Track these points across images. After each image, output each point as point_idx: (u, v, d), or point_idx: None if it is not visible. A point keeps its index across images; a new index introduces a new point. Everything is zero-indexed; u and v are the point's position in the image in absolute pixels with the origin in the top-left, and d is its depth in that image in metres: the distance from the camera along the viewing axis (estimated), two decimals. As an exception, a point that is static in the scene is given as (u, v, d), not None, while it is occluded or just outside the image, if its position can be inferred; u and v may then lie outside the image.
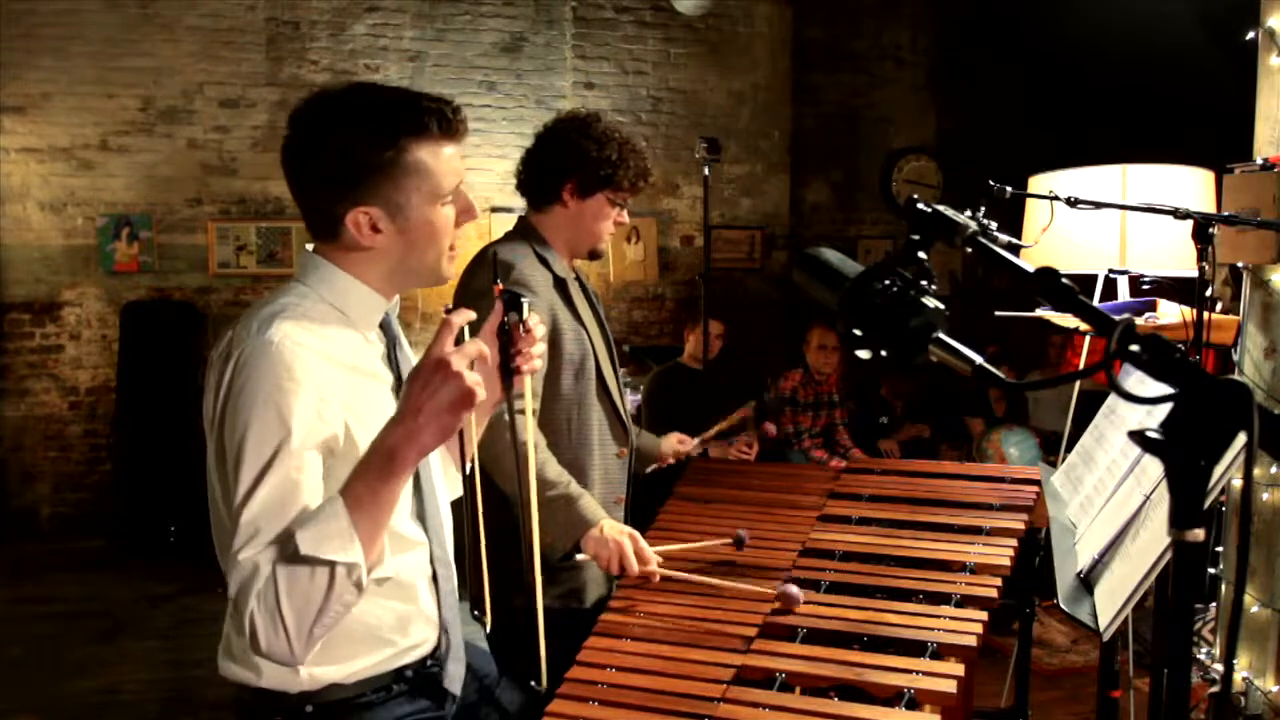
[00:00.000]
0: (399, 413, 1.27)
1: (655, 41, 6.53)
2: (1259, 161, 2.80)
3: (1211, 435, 0.81)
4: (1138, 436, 0.82)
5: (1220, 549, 3.16)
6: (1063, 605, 1.67)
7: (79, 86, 5.69)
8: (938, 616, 1.75)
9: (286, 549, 1.27)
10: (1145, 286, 3.05)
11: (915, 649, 1.65)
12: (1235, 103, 3.19)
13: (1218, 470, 0.86)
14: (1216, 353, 3.22)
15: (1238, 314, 3.03)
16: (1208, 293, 2.45)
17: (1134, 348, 0.85)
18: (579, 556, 1.94)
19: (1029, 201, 3.00)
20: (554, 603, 2.02)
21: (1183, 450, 0.82)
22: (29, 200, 5.69)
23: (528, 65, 6.30)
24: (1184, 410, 0.82)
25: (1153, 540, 1.52)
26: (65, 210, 5.74)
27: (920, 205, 1.06)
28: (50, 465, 5.83)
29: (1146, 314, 2.77)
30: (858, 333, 0.99)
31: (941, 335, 0.97)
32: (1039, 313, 2.81)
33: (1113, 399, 2.23)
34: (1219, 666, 2.98)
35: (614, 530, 1.95)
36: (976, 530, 2.14)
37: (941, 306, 0.98)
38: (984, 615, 1.76)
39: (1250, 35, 2.93)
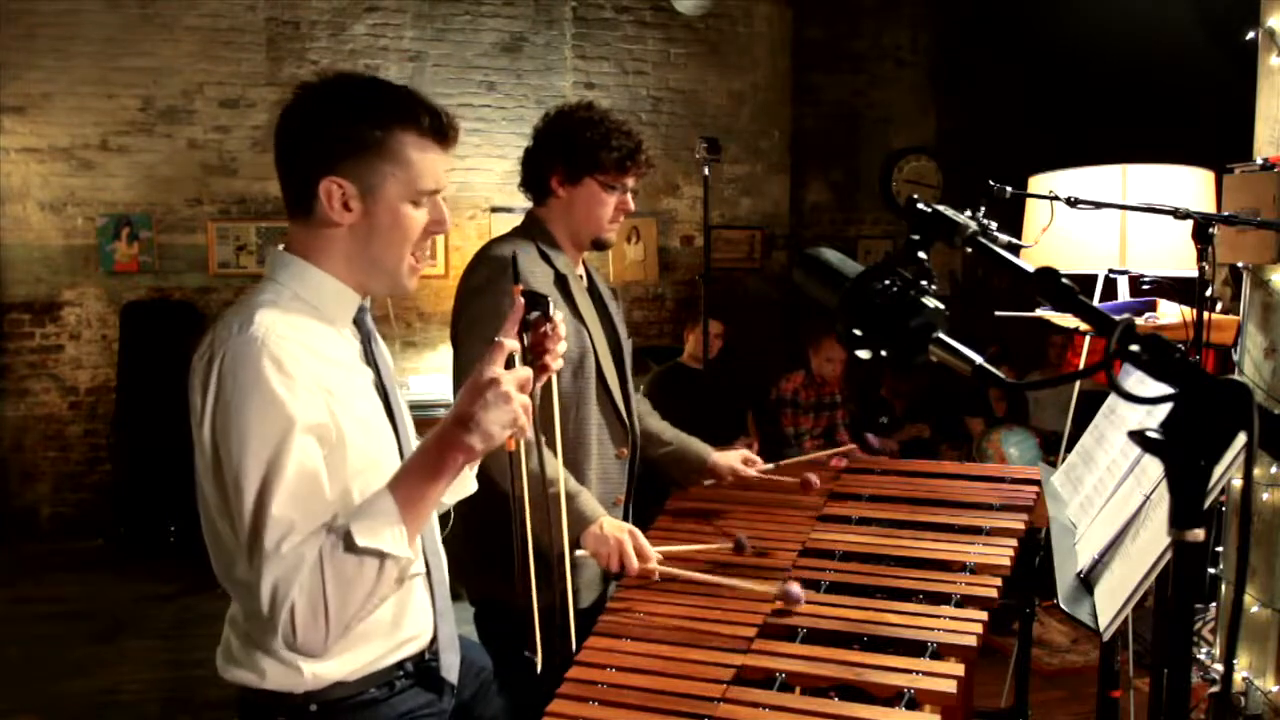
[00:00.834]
0: (450, 418, 1.31)
1: (655, 41, 6.54)
2: (1259, 161, 2.80)
3: (1211, 435, 0.81)
4: (1138, 436, 0.82)
5: (1220, 549, 3.16)
6: (1063, 605, 1.67)
7: (79, 86, 5.69)
8: (938, 616, 1.75)
9: (336, 538, 1.28)
10: (1145, 286, 3.05)
11: (915, 649, 1.65)
12: (1235, 103, 3.19)
13: (1218, 470, 0.86)
14: (1216, 353, 3.22)
15: (1238, 314, 3.03)
16: (1208, 293, 2.46)
17: (1134, 348, 0.85)
18: (578, 553, 1.92)
19: (1029, 201, 3.00)
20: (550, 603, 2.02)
21: (1183, 450, 0.82)
22: (29, 200, 5.69)
23: (528, 65, 6.30)
24: (1184, 410, 0.82)
25: (1153, 540, 1.52)
26: (65, 210, 5.74)
27: (920, 205, 1.06)
28: (50, 465, 5.83)
29: (1146, 314, 2.77)
30: (858, 333, 0.99)
31: (941, 335, 0.97)
32: (1039, 313, 2.82)
33: (1113, 399, 2.23)
34: (1219, 666, 2.98)
35: (613, 527, 1.94)
36: (976, 530, 2.13)
37: (941, 306, 0.98)
38: (984, 615, 1.75)
39: (1250, 35, 2.93)
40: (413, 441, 1.59)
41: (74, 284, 5.78)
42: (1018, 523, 2.17)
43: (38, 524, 5.79)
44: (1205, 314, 2.46)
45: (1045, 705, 3.48)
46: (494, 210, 6.10)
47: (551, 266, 2.13)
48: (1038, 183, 3.05)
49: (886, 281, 0.99)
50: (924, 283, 0.99)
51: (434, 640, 1.58)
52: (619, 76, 6.49)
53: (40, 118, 5.67)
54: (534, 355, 1.46)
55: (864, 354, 1.00)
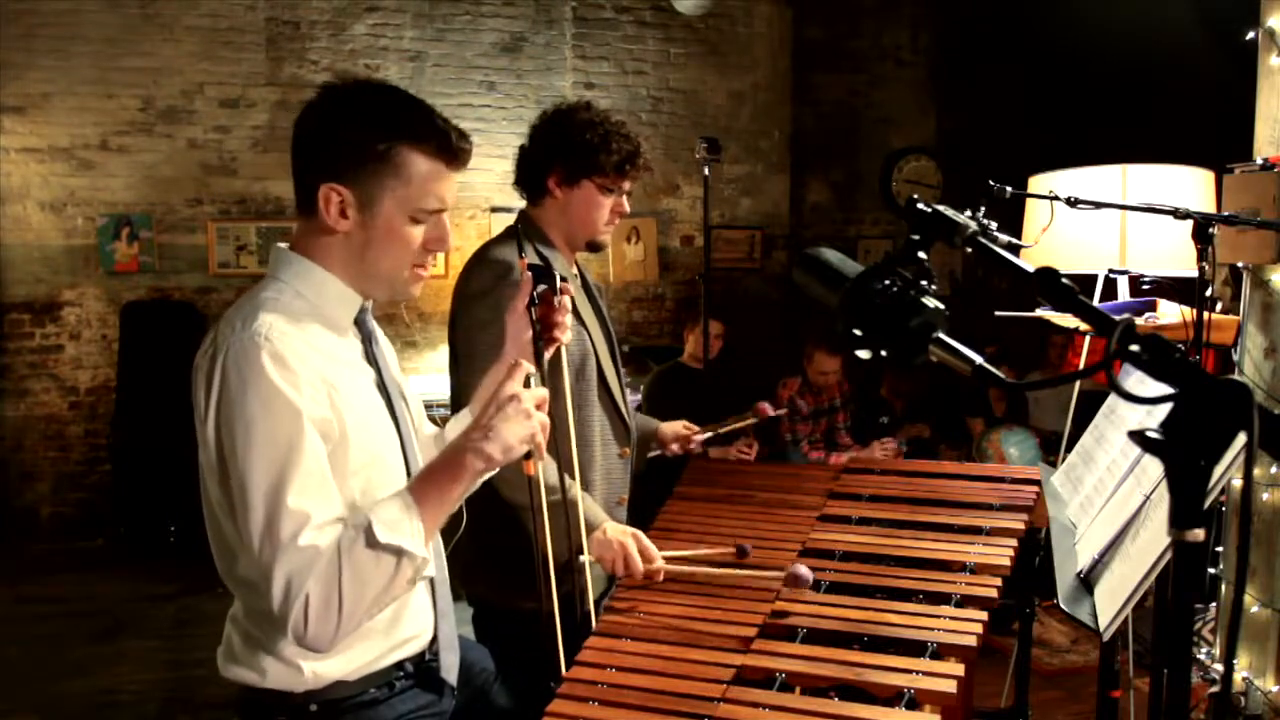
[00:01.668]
0: (473, 426, 1.36)
1: (655, 41, 6.54)
2: (1259, 161, 2.80)
3: (1211, 435, 0.81)
4: (1138, 436, 0.82)
5: (1220, 549, 3.16)
6: (1063, 605, 1.67)
7: (79, 86, 5.69)
8: (938, 616, 1.75)
9: (356, 533, 1.29)
10: (1145, 286, 3.05)
11: (915, 649, 1.65)
12: (1235, 103, 3.19)
13: (1218, 470, 0.86)
14: (1216, 353, 3.22)
15: (1238, 314, 3.03)
16: (1208, 293, 2.46)
17: (1134, 348, 0.85)
18: (583, 559, 1.91)
19: (1029, 201, 3.00)
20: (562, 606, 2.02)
21: (1183, 450, 0.82)
22: (29, 200, 5.69)
23: (528, 65, 6.31)
24: (1184, 410, 0.82)
25: (1153, 540, 1.52)
26: (65, 210, 5.74)
27: (920, 205, 1.06)
28: (50, 465, 5.83)
29: (1146, 314, 2.77)
30: (858, 333, 0.99)
31: (941, 335, 0.97)
32: (1039, 313, 2.81)
33: (1113, 399, 2.23)
34: (1219, 666, 2.98)
35: (617, 532, 1.94)
36: (976, 530, 2.13)
37: (941, 306, 0.98)
38: (984, 615, 1.75)
39: (1250, 35, 2.93)
40: (416, 441, 1.59)
41: (74, 284, 5.78)
42: (1018, 523, 2.17)
43: (38, 524, 5.79)
44: (1205, 314, 2.46)
45: (1045, 705, 3.48)
46: (494, 210, 6.10)
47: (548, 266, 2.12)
48: (1038, 183, 3.05)
49: (886, 281, 0.99)
50: (924, 283, 0.99)
51: (434, 640, 1.58)
52: (619, 76, 6.49)
53: (40, 118, 5.67)
54: (542, 327, 1.48)
55: (864, 354, 1.00)
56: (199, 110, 5.85)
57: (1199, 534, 0.83)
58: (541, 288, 1.47)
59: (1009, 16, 6.22)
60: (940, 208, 1.06)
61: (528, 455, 1.43)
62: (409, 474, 1.51)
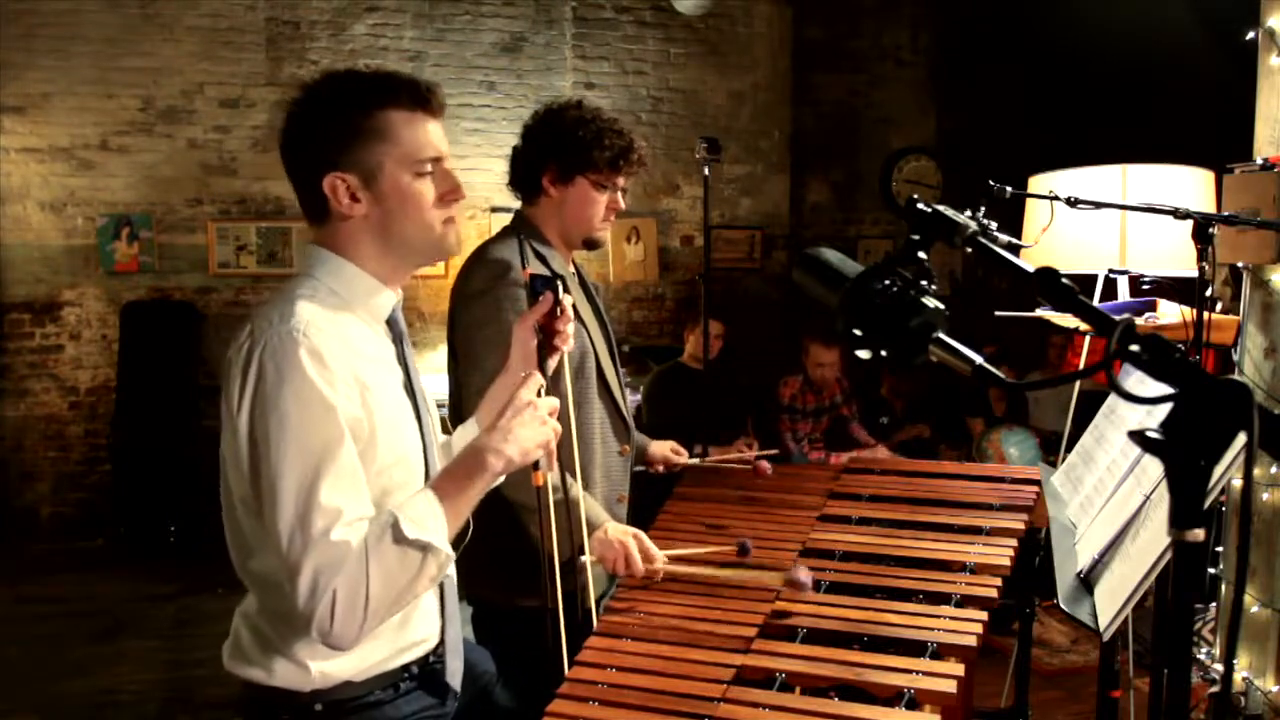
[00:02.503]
0: (491, 429, 1.41)
1: (655, 41, 6.53)
2: (1259, 161, 2.80)
3: (1211, 435, 0.81)
4: (1138, 436, 0.82)
5: (1220, 549, 3.16)
6: (1063, 605, 1.67)
7: (79, 86, 5.69)
8: (938, 616, 1.75)
9: (383, 529, 1.30)
10: (1145, 286, 3.05)
11: (915, 649, 1.65)
12: (1235, 103, 3.19)
13: (1218, 470, 0.86)
14: (1216, 353, 3.22)
15: (1238, 314, 3.03)
16: (1208, 293, 2.45)
17: (1134, 348, 0.85)
18: (585, 559, 1.91)
19: (1029, 201, 3.00)
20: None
21: (1183, 450, 0.82)
22: (29, 200, 5.69)
23: (528, 65, 6.30)
24: (1184, 410, 0.82)
25: (1153, 540, 1.52)
26: (65, 210, 5.74)
27: (920, 205, 1.06)
28: (50, 465, 5.83)
29: (1146, 314, 2.77)
30: (858, 333, 0.99)
31: (941, 335, 0.97)
32: (1039, 313, 2.81)
33: (1113, 399, 2.23)
34: (1219, 666, 2.98)
35: (618, 531, 1.94)
36: (976, 530, 2.13)
37: (941, 306, 0.98)
38: (984, 615, 1.75)
39: (1250, 35, 2.93)
40: (436, 447, 1.59)
41: (74, 284, 5.78)
42: (1018, 523, 2.17)
43: (38, 524, 5.79)
44: (1205, 314, 2.46)
45: (1045, 705, 3.48)
46: (494, 210, 6.09)
47: (546, 266, 2.11)
48: (1038, 183, 3.05)
49: (886, 281, 0.99)
50: (924, 283, 0.99)
51: (440, 644, 1.58)
52: (619, 76, 6.49)
53: (40, 118, 5.67)
54: (544, 336, 1.50)
55: (864, 354, 1.00)
56: (199, 110, 5.85)
57: (1199, 534, 0.83)
58: (545, 295, 1.49)
59: (1009, 16, 6.22)
60: (940, 208, 1.06)
61: (535, 465, 1.45)
62: (428, 477, 1.52)
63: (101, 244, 5.77)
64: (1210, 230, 2.34)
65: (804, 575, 1.82)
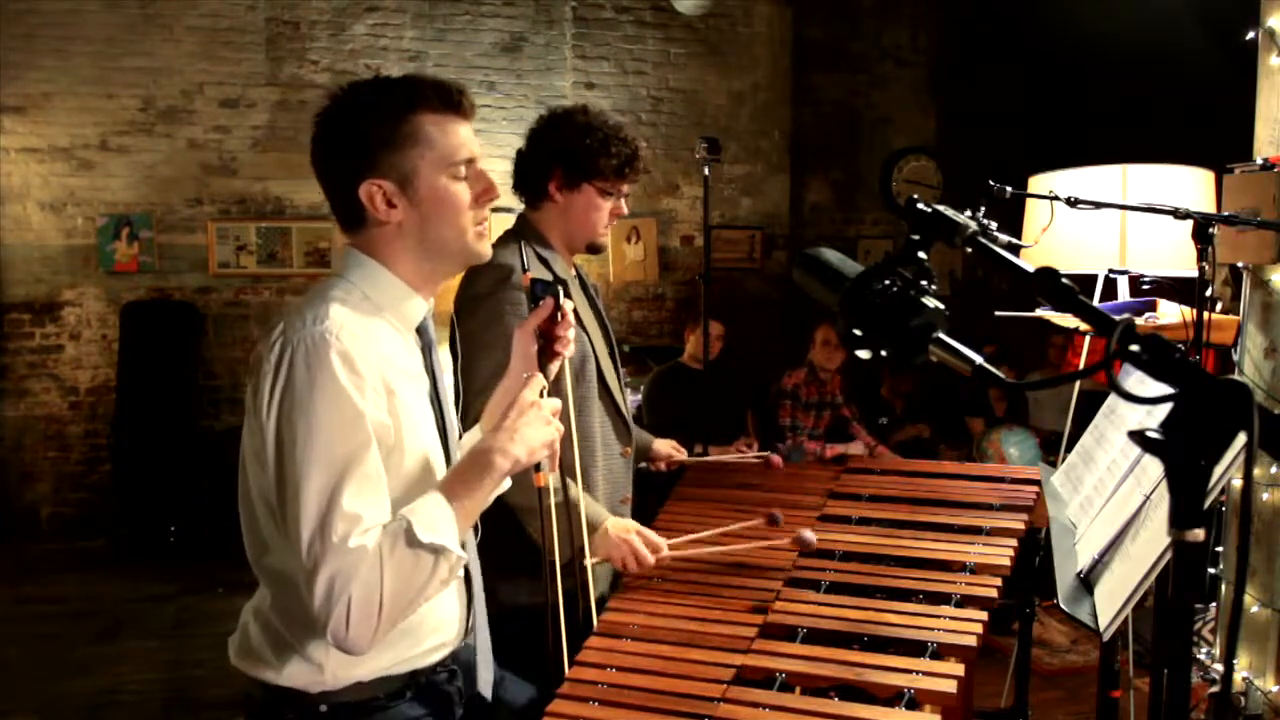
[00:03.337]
0: (497, 430, 1.41)
1: (655, 41, 6.53)
2: (1259, 161, 2.80)
3: (1211, 435, 0.81)
4: (1138, 436, 0.82)
5: (1220, 549, 3.16)
6: (1063, 605, 1.67)
7: (79, 86, 5.69)
8: (938, 616, 1.75)
9: (397, 533, 1.30)
10: (1145, 286, 3.05)
11: (915, 649, 1.65)
12: (1235, 103, 3.19)
13: (1218, 470, 0.86)
14: (1216, 353, 3.22)
15: (1238, 314, 3.02)
16: (1208, 293, 2.45)
17: (1134, 348, 0.85)
18: (590, 561, 1.91)
19: (1029, 201, 3.00)
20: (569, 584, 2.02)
21: (1183, 450, 0.82)
22: (29, 200, 5.70)
23: (528, 65, 6.30)
24: (1184, 410, 0.82)
25: (1153, 540, 1.52)
26: (65, 210, 5.74)
27: (920, 205, 1.06)
28: (50, 465, 5.83)
29: (1146, 314, 2.77)
30: (858, 333, 0.99)
31: (941, 335, 0.97)
32: (1039, 313, 2.81)
33: (1113, 399, 2.23)
34: (1219, 666, 2.98)
35: (618, 528, 1.95)
36: (976, 530, 2.14)
37: (941, 306, 0.98)
38: (984, 615, 1.75)
39: (1250, 35, 2.93)
40: (456, 455, 1.60)
41: (74, 284, 5.78)
42: (1018, 523, 2.17)
43: (38, 524, 5.79)
44: (1205, 314, 2.46)
45: (1045, 705, 3.48)
46: (494, 210, 6.08)
47: (549, 270, 2.12)
48: (1038, 183, 3.05)
49: (886, 281, 0.99)
50: (924, 283, 0.99)
51: (456, 651, 1.58)
52: (619, 76, 6.49)
53: (40, 118, 5.67)
54: (545, 341, 1.50)
55: (864, 354, 1.00)
56: (199, 110, 5.85)
57: (1199, 534, 0.83)
58: (546, 301, 1.50)
59: (1009, 16, 6.21)
60: (940, 208, 1.06)
61: (537, 468, 1.45)
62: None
63: (101, 244, 5.77)
64: (1210, 230, 2.34)
65: (809, 535, 1.98)
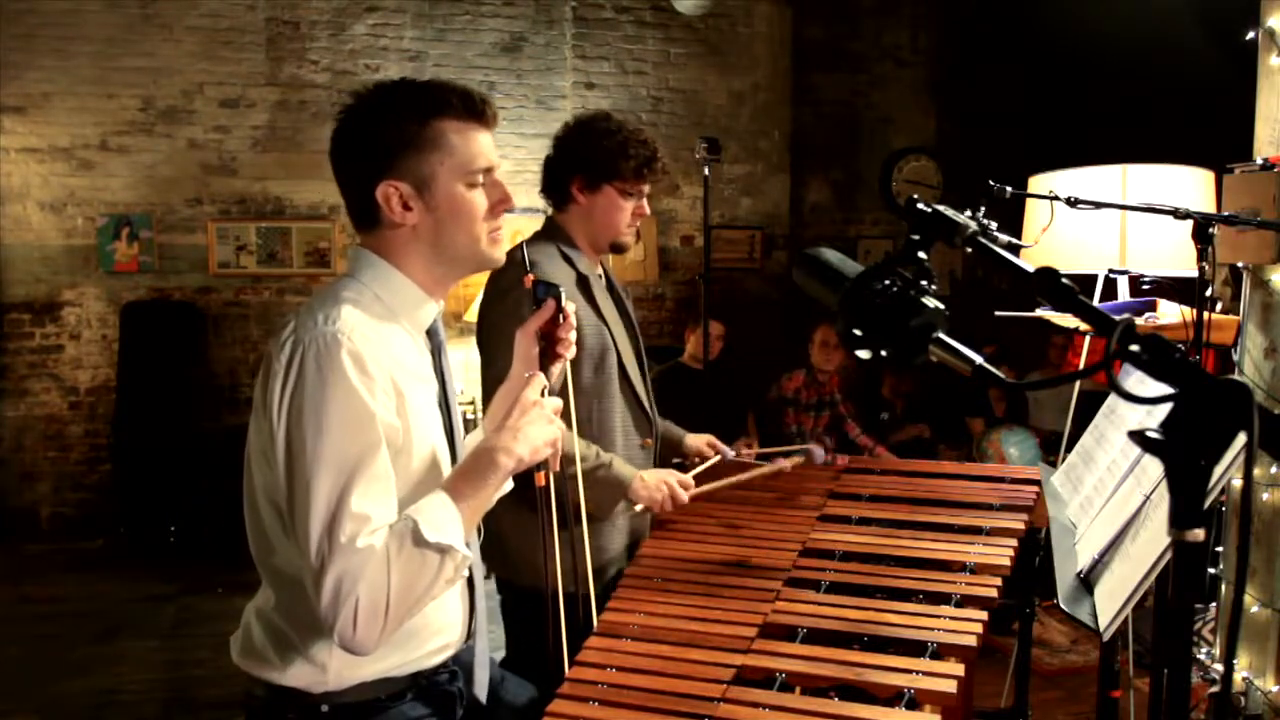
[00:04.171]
0: (500, 429, 1.42)
1: (655, 41, 6.53)
2: (1259, 161, 2.80)
3: (1211, 435, 0.81)
4: (1138, 436, 0.82)
5: (1220, 549, 3.16)
6: (1063, 605, 1.67)
7: (79, 86, 5.69)
8: (938, 616, 1.75)
9: (403, 533, 1.31)
10: (1145, 286, 3.04)
11: (915, 649, 1.65)
12: (1235, 103, 3.19)
13: (1218, 470, 0.86)
14: (1216, 353, 3.22)
15: (1238, 314, 3.02)
16: (1208, 293, 2.45)
17: (1134, 348, 0.85)
18: (636, 508, 2.14)
19: (1029, 201, 3.00)
20: (571, 587, 2.04)
21: (1183, 450, 0.82)
22: (29, 200, 5.69)
23: (528, 65, 6.30)
24: (1184, 410, 0.82)
25: (1153, 540, 1.52)
26: (65, 210, 5.74)
27: (920, 205, 1.06)
28: (50, 465, 5.83)
29: (1146, 314, 2.77)
30: (858, 333, 0.99)
31: (941, 335, 0.97)
32: (1039, 313, 2.81)
33: (1113, 399, 2.23)
34: (1219, 666, 2.98)
35: (654, 475, 2.15)
36: (976, 530, 2.14)
37: (941, 306, 0.98)
38: (984, 615, 1.76)
39: (1250, 35, 2.92)
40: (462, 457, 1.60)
41: (74, 284, 5.78)
42: (1018, 523, 2.17)
43: (38, 524, 5.79)
44: (1205, 314, 2.46)
45: (1045, 705, 3.48)
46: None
47: (573, 268, 2.20)
48: (1038, 183, 3.05)
49: (886, 281, 0.99)
50: (924, 283, 0.99)
51: (458, 654, 1.59)
52: (619, 76, 6.48)
53: (40, 118, 5.67)
54: (546, 343, 1.51)
55: (864, 354, 1.00)
56: (199, 110, 5.85)
57: (1199, 534, 0.83)
58: (548, 303, 1.51)
59: (1009, 16, 6.21)
60: (940, 208, 1.06)
61: (539, 467, 1.45)
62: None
63: (101, 244, 5.76)
64: (1210, 230, 2.34)
65: (817, 451, 2.15)
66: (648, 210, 2.28)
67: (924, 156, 7.07)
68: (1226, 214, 2.48)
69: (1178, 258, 2.86)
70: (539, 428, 1.42)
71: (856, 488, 2.40)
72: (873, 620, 1.74)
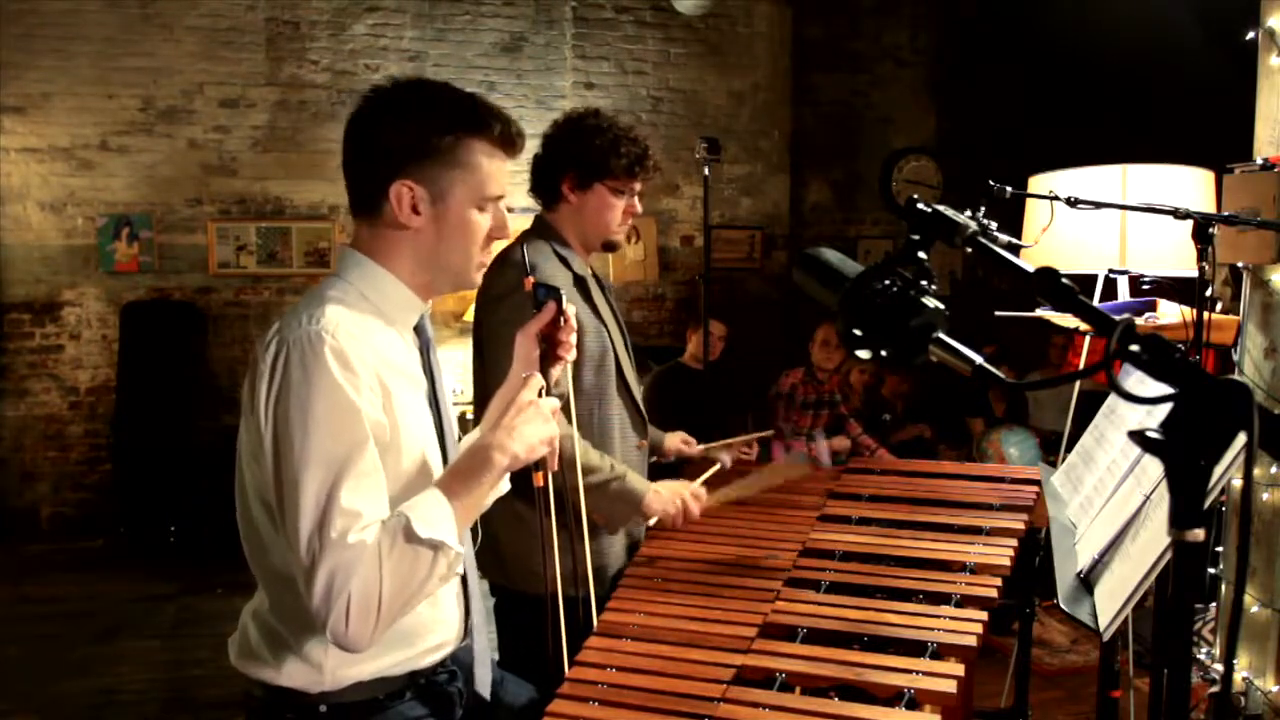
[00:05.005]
0: (496, 427, 1.41)
1: (655, 41, 6.53)
2: (1259, 161, 2.80)
3: (1211, 435, 0.81)
4: (1138, 436, 0.82)
5: (1220, 549, 3.16)
6: (1063, 605, 1.66)
7: (79, 86, 5.69)
8: (938, 616, 1.75)
9: (395, 530, 1.30)
10: (1145, 286, 3.04)
11: (915, 649, 1.65)
12: (1235, 103, 3.19)
13: (1218, 470, 0.86)
14: (1216, 353, 3.22)
15: (1238, 314, 3.02)
16: (1208, 293, 2.45)
17: (1134, 348, 0.85)
18: (651, 521, 2.13)
19: (1029, 201, 3.00)
20: (571, 590, 2.04)
21: (1183, 450, 0.82)
22: (29, 200, 5.69)
23: (528, 65, 6.30)
24: (1184, 410, 0.82)
25: (1153, 540, 1.52)
26: (65, 210, 5.74)
27: (920, 205, 1.06)
28: (50, 465, 5.83)
29: (1146, 314, 2.77)
30: (858, 333, 0.99)
31: (941, 335, 0.97)
32: (1039, 313, 2.81)
33: (1113, 399, 2.23)
34: (1219, 666, 2.98)
35: (668, 489, 2.12)
36: (976, 530, 2.13)
37: (941, 306, 0.98)
38: (984, 615, 1.75)
39: (1250, 35, 2.92)
40: (454, 456, 1.60)
41: (74, 284, 5.78)
42: (1018, 523, 2.17)
43: (38, 524, 5.79)
44: (1205, 314, 2.46)
45: (1045, 705, 3.48)
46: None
47: (569, 268, 2.18)
48: (1038, 183, 3.05)
49: (886, 281, 0.99)
50: (924, 283, 0.99)
51: (454, 652, 1.58)
52: (619, 76, 6.49)
53: (40, 118, 5.67)
54: (547, 345, 1.51)
55: (864, 354, 1.00)
56: (199, 110, 5.85)
57: (1199, 534, 0.83)
58: (549, 305, 1.50)
59: (1009, 16, 6.21)
60: (940, 208, 1.06)
61: (537, 467, 1.45)
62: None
63: (101, 244, 5.76)
64: (1210, 230, 2.34)
65: (823, 447, 1.97)
66: (639, 208, 2.27)
67: (924, 156, 7.07)
68: (1226, 214, 2.48)
69: (1178, 258, 2.86)
70: (535, 426, 1.41)
71: (856, 488, 2.40)
72: (873, 620, 1.74)
